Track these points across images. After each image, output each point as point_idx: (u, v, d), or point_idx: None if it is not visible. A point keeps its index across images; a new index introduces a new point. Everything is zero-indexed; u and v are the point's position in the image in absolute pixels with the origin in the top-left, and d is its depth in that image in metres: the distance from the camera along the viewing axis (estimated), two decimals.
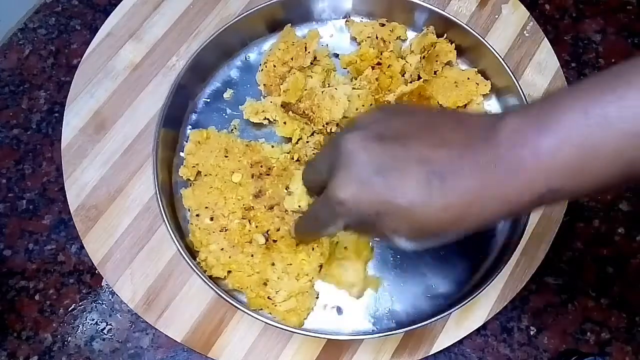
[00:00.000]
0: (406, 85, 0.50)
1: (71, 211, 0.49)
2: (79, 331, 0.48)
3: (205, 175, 0.48)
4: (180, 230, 0.48)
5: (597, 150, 0.27)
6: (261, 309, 0.45)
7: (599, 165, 0.27)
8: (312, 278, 0.46)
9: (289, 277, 0.45)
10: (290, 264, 0.45)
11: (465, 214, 0.30)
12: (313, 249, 0.46)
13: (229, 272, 0.46)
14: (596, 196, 0.51)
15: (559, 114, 0.27)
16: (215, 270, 0.45)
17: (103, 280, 0.48)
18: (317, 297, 0.47)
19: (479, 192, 0.29)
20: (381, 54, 0.52)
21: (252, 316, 0.44)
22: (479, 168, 0.29)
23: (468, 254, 0.48)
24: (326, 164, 0.34)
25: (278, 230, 0.46)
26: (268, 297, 0.45)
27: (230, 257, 0.46)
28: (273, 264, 0.45)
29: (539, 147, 0.28)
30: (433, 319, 0.44)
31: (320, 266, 0.46)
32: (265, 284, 0.45)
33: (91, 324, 0.48)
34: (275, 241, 0.46)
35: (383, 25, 0.53)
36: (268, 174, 0.48)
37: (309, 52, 0.51)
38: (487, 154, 0.29)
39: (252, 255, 0.46)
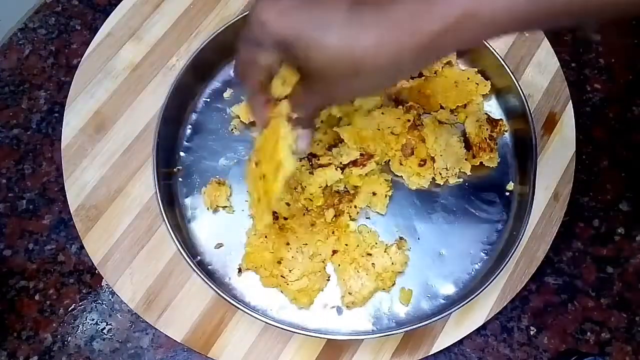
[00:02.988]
0: (407, 80, 0.50)
1: (71, 211, 0.49)
2: (79, 331, 0.48)
3: None
4: (180, 230, 0.48)
5: None
6: (274, 287, 0.47)
7: None
8: (325, 259, 0.47)
9: (303, 257, 0.46)
10: (306, 244, 0.46)
11: (379, 47, 0.29)
12: (333, 232, 0.47)
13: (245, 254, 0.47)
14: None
15: None
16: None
17: (103, 280, 0.48)
18: (329, 279, 0.47)
19: (396, 23, 0.29)
20: None
21: (252, 316, 0.44)
22: None
23: (468, 254, 0.48)
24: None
25: (288, 205, 0.48)
26: (281, 276, 0.46)
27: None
28: (288, 244, 0.46)
29: None
30: (433, 319, 0.44)
31: (334, 251, 0.47)
32: (279, 262, 0.46)
33: (91, 324, 0.48)
34: (285, 218, 0.47)
35: None
36: None
37: None
38: None
39: (265, 236, 0.47)
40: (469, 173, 0.50)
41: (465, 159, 0.50)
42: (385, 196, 0.49)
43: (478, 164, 0.50)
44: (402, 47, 0.29)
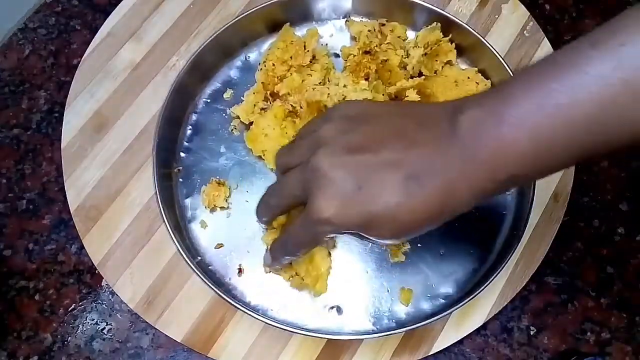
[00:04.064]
0: (407, 80, 0.50)
1: (71, 211, 0.49)
2: (79, 331, 0.48)
3: None
4: (180, 231, 0.48)
5: (550, 138, 0.28)
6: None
7: (554, 152, 0.28)
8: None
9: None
10: None
11: (442, 208, 0.31)
12: None
13: None
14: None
15: (512, 105, 0.29)
16: None
17: (103, 280, 0.48)
18: (330, 256, 0.47)
19: (451, 186, 0.30)
20: (379, 45, 0.52)
21: (252, 316, 0.44)
22: (447, 164, 0.30)
23: (468, 254, 0.48)
24: (299, 185, 0.34)
25: None
26: (296, 274, 0.46)
27: None
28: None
29: (496, 138, 0.29)
30: (433, 319, 0.44)
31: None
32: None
33: (91, 324, 0.48)
34: None
35: (383, 25, 0.53)
36: None
37: (308, 51, 0.51)
38: (452, 149, 0.30)
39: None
40: None
41: None
42: None
43: None
44: (460, 206, 0.31)
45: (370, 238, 0.33)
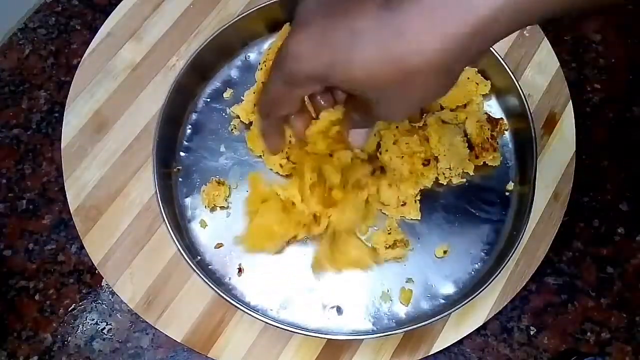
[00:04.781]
0: None
1: (71, 211, 0.49)
2: (79, 331, 0.48)
3: None
4: (180, 230, 0.48)
5: None
6: None
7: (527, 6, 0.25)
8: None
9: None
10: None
11: (422, 44, 0.27)
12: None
13: None
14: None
15: None
16: None
17: (103, 280, 0.48)
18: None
19: (434, 15, 0.26)
20: None
21: (252, 316, 0.44)
22: (424, 7, 0.26)
23: (468, 254, 0.48)
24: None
25: None
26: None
27: None
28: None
29: None
30: (433, 319, 0.44)
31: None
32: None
33: (91, 324, 0.48)
34: None
35: None
36: None
37: None
38: None
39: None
40: (471, 173, 0.50)
41: (468, 160, 0.50)
42: (415, 201, 0.49)
43: (481, 164, 0.50)
44: (449, 40, 0.26)
45: (350, 89, 0.30)
